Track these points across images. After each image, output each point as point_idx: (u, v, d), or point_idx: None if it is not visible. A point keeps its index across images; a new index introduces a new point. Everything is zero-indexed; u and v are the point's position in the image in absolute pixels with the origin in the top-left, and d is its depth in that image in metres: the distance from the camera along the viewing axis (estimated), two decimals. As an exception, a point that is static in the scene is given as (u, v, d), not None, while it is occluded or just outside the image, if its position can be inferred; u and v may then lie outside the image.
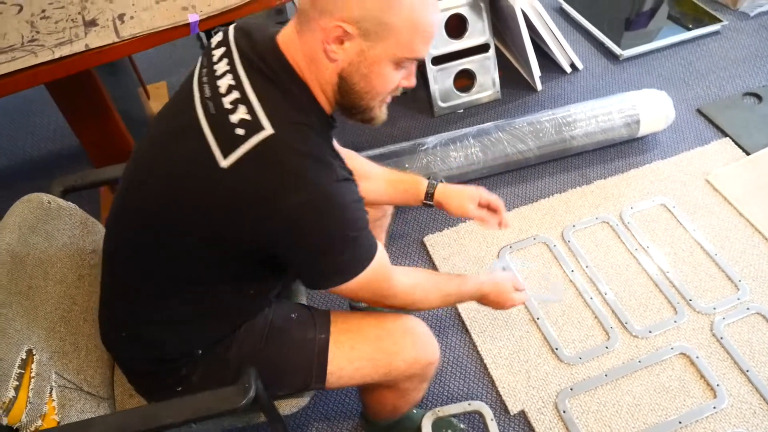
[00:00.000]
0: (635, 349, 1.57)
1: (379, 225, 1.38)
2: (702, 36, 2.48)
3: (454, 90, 2.24)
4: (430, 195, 1.28)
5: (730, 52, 2.41)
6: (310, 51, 0.85)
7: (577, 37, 2.54)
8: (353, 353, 1.04)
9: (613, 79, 2.33)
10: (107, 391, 1.08)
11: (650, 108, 1.99)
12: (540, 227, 1.86)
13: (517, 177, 2.01)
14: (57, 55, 1.27)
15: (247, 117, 0.83)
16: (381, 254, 0.95)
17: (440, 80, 2.21)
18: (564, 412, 1.47)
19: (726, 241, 1.78)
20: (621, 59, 2.40)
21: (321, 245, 0.88)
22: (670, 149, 2.06)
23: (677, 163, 2.01)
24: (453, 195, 1.27)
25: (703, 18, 2.52)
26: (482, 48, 2.21)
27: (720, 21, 2.48)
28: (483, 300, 1.20)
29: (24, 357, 0.91)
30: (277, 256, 0.90)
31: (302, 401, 1.09)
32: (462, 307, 1.68)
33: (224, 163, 0.82)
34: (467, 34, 2.18)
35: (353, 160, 1.20)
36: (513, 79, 2.36)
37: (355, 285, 0.93)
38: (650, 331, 1.60)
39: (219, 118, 0.84)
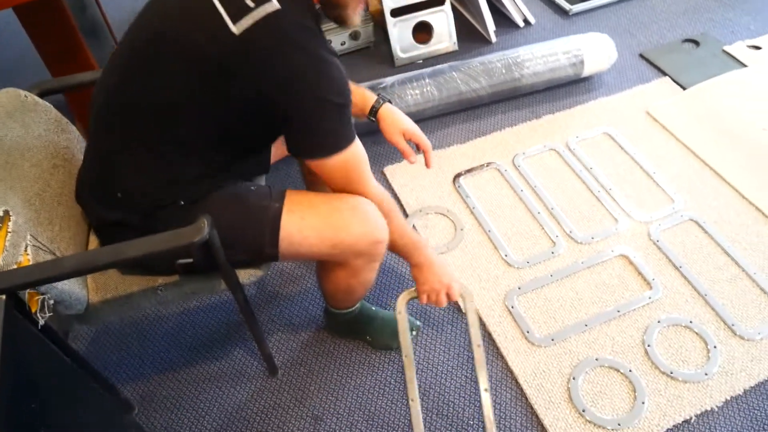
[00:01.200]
0: (578, 253, 1.70)
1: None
2: (645, -7, 2.65)
3: (413, 42, 2.38)
4: (374, 110, 1.37)
5: (671, 5, 2.58)
6: None
7: (530, -2, 2.70)
8: (303, 222, 1.13)
9: (562, 32, 2.47)
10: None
11: (593, 49, 2.13)
12: (492, 156, 1.99)
13: (472, 114, 2.14)
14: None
15: None
16: (360, 144, 1.10)
17: (400, 32, 2.34)
18: (512, 307, 1.59)
19: (664, 162, 1.92)
20: (570, 14, 2.56)
21: (315, 102, 1.01)
22: (614, 87, 2.20)
23: (620, 99, 2.15)
24: (390, 119, 1.37)
25: (646, -22, 2.69)
26: (438, 2, 2.34)
27: (662, -21, 2.65)
28: (427, 266, 1.31)
29: (1, 215, 1.00)
30: (275, 114, 1.03)
31: (258, 272, 1.20)
32: (418, 224, 1.80)
33: (234, 29, 0.95)
34: (423, -13, 2.32)
35: None
36: (469, 33, 2.50)
37: (334, 163, 1.07)
38: (592, 238, 1.72)
39: None
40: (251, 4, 0.95)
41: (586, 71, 2.16)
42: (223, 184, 1.15)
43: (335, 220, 1.14)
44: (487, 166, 1.96)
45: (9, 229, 1.02)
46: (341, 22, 1.09)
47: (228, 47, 0.96)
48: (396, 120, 1.37)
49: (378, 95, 1.39)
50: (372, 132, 2.06)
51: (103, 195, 1.14)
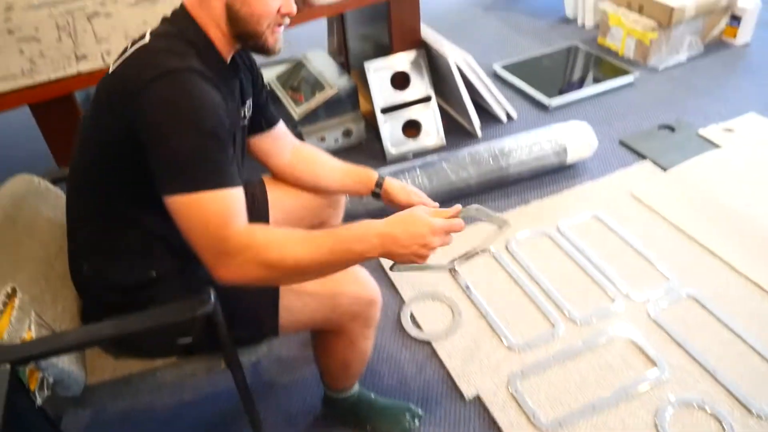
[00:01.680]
0: (578, 334, 1.69)
1: (335, 214, 1.52)
2: (619, 87, 2.80)
3: (403, 138, 2.48)
4: (379, 185, 1.40)
5: (644, 97, 2.72)
6: None
7: (511, 95, 2.84)
8: (301, 287, 1.13)
9: (544, 125, 2.58)
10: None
11: (575, 136, 2.23)
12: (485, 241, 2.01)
13: (462, 203, 2.18)
14: (53, 77, 1.48)
15: (137, 38, 1.03)
16: (236, 193, 0.95)
17: (390, 128, 2.45)
18: (516, 392, 1.55)
19: (654, 241, 1.96)
20: (550, 108, 2.69)
21: (167, 125, 0.92)
22: (597, 172, 2.28)
23: (605, 183, 2.23)
24: (399, 186, 1.40)
25: (619, 73, 2.86)
26: (425, 100, 2.47)
27: (632, 73, 2.82)
28: (392, 247, 0.96)
29: (9, 292, 1.01)
30: (142, 147, 0.95)
31: (259, 350, 1.18)
32: (415, 310, 1.80)
33: (111, 69, 1.02)
34: (410, 87, 2.45)
35: (307, 148, 1.40)
36: (455, 129, 2.61)
37: (190, 203, 0.92)
38: (591, 318, 1.72)
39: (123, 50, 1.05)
40: (128, 47, 1.03)
41: (570, 158, 2.24)
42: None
43: (330, 283, 1.14)
44: (481, 252, 1.98)
45: (15, 306, 1.02)
46: (261, 50, 1.08)
47: (103, 86, 1.02)
48: (404, 185, 1.41)
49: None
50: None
51: (76, 274, 1.15)
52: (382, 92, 2.42)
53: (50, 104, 1.65)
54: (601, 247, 1.95)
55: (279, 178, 1.40)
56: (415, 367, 1.65)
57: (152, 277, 1.10)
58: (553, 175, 2.29)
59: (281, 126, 1.35)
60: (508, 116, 2.66)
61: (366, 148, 2.54)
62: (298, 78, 2.63)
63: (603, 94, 2.77)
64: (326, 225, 1.50)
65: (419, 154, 2.49)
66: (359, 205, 2.05)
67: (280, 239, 0.95)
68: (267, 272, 0.94)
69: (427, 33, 2.50)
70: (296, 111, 2.41)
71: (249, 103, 1.21)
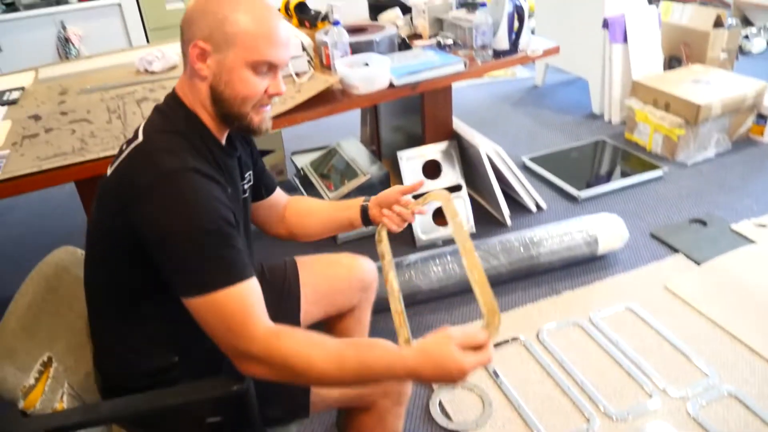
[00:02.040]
0: (615, 430, 1.62)
1: (366, 299, 1.53)
2: (648, 180, 2.83)
3: (434, 225, 2.51)
4: (365, 208, 1.37)
5: (674, 191, 2.74)
6: (189, 78, 1.04)
7: (540, 186, 2.89)
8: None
9: (573, 215, 2.61)
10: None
11: (606, 228, 2.24)
12: (516, 331, 1.99)
13: (494, 291, 2.18)
14: (101, 156, 1.57)
15: (131, 137, 1.04)
16: (251, 285, 0.95)
17: (421, 216, 2.49)
18: (551, 491, 1.48)
19: (691, 336, 1.91)
20: (579, 200, 2.72)
21: (169, 230, 0.92)
22: (629, 264, 2.27)
23: (637, 275, 2.21)
24: (381, 195, 1.37)
25: (648, 167, 2.90)
26: (455, 188, 2.53)
27: (661, 168, 2.86)
28: (419, 381, 1.01)
29: (45, 360, 1.03)
30: (149, 251, 0.95)
31: (289, 430, 1.16)
32: (444, 398, 1.75)
33: (109, 172, 1.03)
34: (441, 176, 2.51)
35: (295, 202, 1.43)
36: (485, 218, 2.64)
37: (206, 305, 0.92)
38: (628, 414, 1.66)
39: (118, 150, 1.06)
40: (123, 147, 1.03)
41: (601, 249, 2.24)
42: None
43: None
44: (512, 341, 1.95)
45: (50, 375, 1.03)
46: (248, 131, 1.08)
47: (104, 190, 1.03)
48: (386, 194, 1.36)
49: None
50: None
51: (100, 364, 1.16)
52: (413, 180, 2.49)
53: (94, 179, 1.73)
54: (636, 340, 1.91)
55: (279, 237, 1.44)
56: (444, 460, 1.60)
57: (174, 361, 1.10)
58: (584, 265, 2.28)
59: (278, 191, 1.41)
60: (538, 206, 2.69)
61: (396, 234, 2.56)
62: (328, 165, 2.72)
63: (632, 187, 2.80)
64: (357, 311, 1.51)
65: (449, 241, 2.51)
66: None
67: (307, 350, 0.94)
68: (291, 378, 0.96)
69: (459, 125, 2.59)
70: (329, 196, 2.47)
71: (249, 174, 1.24)
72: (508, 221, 2.58)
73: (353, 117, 3.26)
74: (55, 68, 2.56)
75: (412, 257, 2.16)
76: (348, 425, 1.28)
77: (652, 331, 1.95)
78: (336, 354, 0.95)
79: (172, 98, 1.08)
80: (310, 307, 1.40)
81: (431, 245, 2.50)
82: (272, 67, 1.03)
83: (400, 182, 2.52)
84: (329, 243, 2.55)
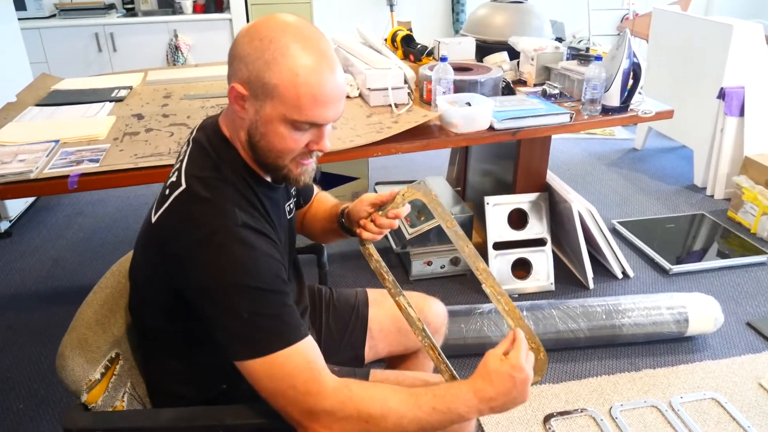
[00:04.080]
0: None
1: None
2: (750, 264, 2.63)
3: (512, 276, 2.43)
4: (344, 211, 1.26)
5: (778, 280, 2.54)
6: (231, 116, 0.97)
7: (628, 252, 2.74)
8: None
9: (662, 289, 2.46)
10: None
11: (699, 309, 2.08)
12: (587, 402, 1.87)
13: (567, 355, 2.07)
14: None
15: (174, 179, 0.95)
16: (308, 344, 0.90)
17: (499, 265, 2.42)
18: None
19: (783, 443, 1.73)
20: (670, 273, 2.56)
21: (219, 292, 0.86)
22: (720, 352, 2.09)
23: (728, 365, 2.03)
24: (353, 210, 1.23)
25: (750, 251, 2.70)
26: (540, 242, 2.44)
27: (766, 253, 2.65)
28: (491, 405, 0.92)
29: (113, 356, 1.03)
30: (193, 309, 0.91)
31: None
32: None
33: (153, 218, 0.95)
34: (527, 227, 2.43)
35: (320, 197, 1.39)
36: (566, 277, 2.53)
37: (263, 368, 0.86)
38: None
39: (162, 189, 0.98)
40: (167, 192, 0.94)
41: (690, 330, 2.08)
42: None
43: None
44: (581, 411, 1.83)
45: (115, 372, 1.03)
46: (285, 181, 0.99)
47: (147, 238, 0.97)
48: (359, 201, 1.21)
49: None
50: (459, 355, 2.02)
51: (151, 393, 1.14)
52: (497, 227, 2.42)
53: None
54: (720, 437, 1.75)
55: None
56: None
57: (223, 389, 1.09)
58: (670, 344, 2.12)
59: (316, 196, 1.38)
60: (624, 274, 2.55)
61: (470, 280, 2.51)
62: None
63: (730, 269, 2.61)
64: (422, 353, 1.45)
65: (525, 295, 2.42)
66: (460, 338, 1.99)
67: (381, 393, 0.91)
68: (367, 427, 0.89)
69: (552, 178, 2.51)
70: (408, 231, 2.44)
71: (294, 190, 1.20)
72: (591, 284, 2.45)
73: (442, 155, 3.24)
74: (163, 72, 2.70)
75: (486, 306, 2.08)
76: None
77: (740, 428, 1.77)
78: (409, 393, 0.91)
79: (214, 132, 0.99)
80: (375, 342, 1.36)
81: (506, 296, 2.40)
82: (315, 125, 0.93)
83: (482, 228, 2.46)
84: (401, 279, 2.51)
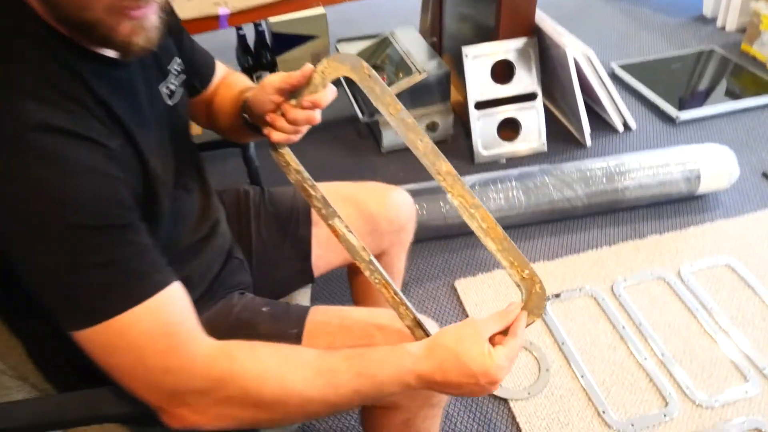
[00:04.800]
0: (698, 419, 1.32)
1: (399, 242, 1.21)
2: (765, 105, 2.33)
3: (498, 139, 2.13)
4: (244, 108, 0.91)
5: (797, 120, 2.25)
6: None
7: (630, 100, 2.43)
8: None
9: (668, 141, 2.18)
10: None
11: (712, 163, 1.82)
12: (587, 279, 1.66)
13: (563, 227, 1.84)
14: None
15: None
16: (166, 298, 0.63)
17: (483, 127, 2.11)
18: (612, 487, 1.22)
19: (804, 309, 1.54)
20: (677, 122, 2.26)
21: (12, 238, 0.58)
22: (733, 209, 1.86)
23: (743, 224, 1.81)
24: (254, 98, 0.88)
25: (765, 89, 2.39)
26: (529, 97, 2.11)
27: (784, 91, 2.35)
28: (437, 389, 0.72)
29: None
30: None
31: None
32: (494, 357, 1.47)
33: None
34: (514, 81, 2.09)
35: (230, 78, 1.03)
36: (560, 134, 2.24)
37: (98, 339, 0.60)
38: (716, 401, 1.35)
39: None
40: None
41: (702, 189, 1.84)
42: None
43: (376, 342, 0.84)
44: (579, 291, 1.63)
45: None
46: (110, 45, 0.64)
47: None
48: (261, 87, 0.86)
49: None
50: (441, 237, 1.80)
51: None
52: (479, 83, 2.08)
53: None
54: (734, 307, 1.56)
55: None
56: (485, 430, 1.34)
57: None
58: (677, 206, 1.89)
59: (219, 76, 1.02)
60: (626, 126, 2.26)
61: (452, 146, 2.21)
62: (383, 55, 2.32)
63: (744, 112, 2.31)
64: (387, 257, 1.19)
65: (514, 160, 2.14)
66: (439, 218, 1.74)
67: (278, 368, 0.66)
68: (256, 414, 0.66)
69: (543, 19, 2.12)
70: (379, 95, 2.10)
71: (176, 66, 0.85)
72: (588, 141, 2.17)
73: (413, 2, 2.79)
74: None
75: (469, 179, 1.81)
76: (369, 426, 1.00)
77: (755, 297, 1.58)
78: (321, 368, 0.68)
79: None
80: (324, 251, 1.09)
81: (491, 162, 2.13)
82: None
83: (462, 84, 2.12)
84: (373, 151, 2.21)
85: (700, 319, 1.53)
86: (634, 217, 1.86)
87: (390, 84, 2.11)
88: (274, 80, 0.83)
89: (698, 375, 1.41)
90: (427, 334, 0.78)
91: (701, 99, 2.39)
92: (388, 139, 2.16)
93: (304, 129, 0.85)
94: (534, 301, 0.75)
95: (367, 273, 0.82)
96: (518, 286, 0.76)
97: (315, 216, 1.09)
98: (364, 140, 2.27)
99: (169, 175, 0.79)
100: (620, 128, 2.24)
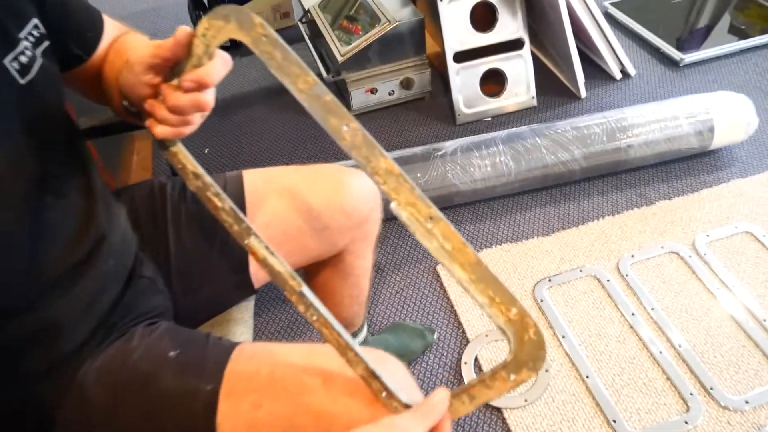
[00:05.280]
0: (727, 426, 1.12)
1: (361, 238, 0.95)
2: (780, 42, 2.08)
3: (481, 95, 1.87)
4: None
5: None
6: None
7: (627, 43, 2.16)
8: (258, 414, 0.62)
9: (673, 88, 1.93)
10: None
11: (727, 113, 1.58)
12: (588, 257, 1.44)
13: (559, 194, 1.60)
14: None
15: None
16: None
17: (464, 81, 1.84)
18: None
19: (841, 282, 1.33)
20: (681, 65, 2.01)
21: None
22: (751, 166, 1.63)
23: (763, 182, 1.58)
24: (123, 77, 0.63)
25: (777, 23, 2.13)
26: (515, 44, 1.84)
27: (801, 25, 2.09)
28: None
29: None
30: None
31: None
32: (483, 353, 1.26)
33: None
34: (497, 27, 1.82)
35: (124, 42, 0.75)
36: (550, 86, 1.98)
37: None
38: (747, 402, 1.14)
39: None
40: None
41: (716, 143, 1.60)
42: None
43: (316, 401, 0.61)
44: (580, 271, 1.41)
45: None
46: None
47: None
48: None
49: None
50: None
51: None
52: (456, 31, 1.80)
53: None
54: (759, 282, 1.35)
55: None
56: (476, 450, 1.14)
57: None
58: (687, 164, 1.65)
59: (107, 35, 0.75)
60: (623, 72, 2.00)
61: (430, 105, 1.95)
62: (356, 5, 2.02)
63: (756, 50, 2.06)
64: (349, 256, 0.94)
65: (500, 117, 1.88)
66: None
67: None
68: None
69: (527, -48, 1.83)
70: (340, 50, 1.82)
71: (31, 30, 0.61)
72: (583, 91, 1.91)
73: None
74: None
75: (449, 144, 1.55)
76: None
77: (783, 269, 1.37)
78: None
79: None
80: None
81: (475, 121, 1.88)
82: None
83: (438, 33, 1.84)
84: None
85: (721, 301, 1.32)
86: (639, 179, 1.63)
87: (346, 41, 1.82)
88: (142, 55, 0.58)
89: (724, 371, 1.20)
90: (385, 387, 0.55)
91: (701, 38, 2.13)
92: (357, 100, 1.89)
93: (197, 118, 0.60)
94: (527, 352, 0.52)
95: (300, 308, 0.58)
96: (502, 331, 0.53)
97: (252, 207, 0.84)
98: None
99: (17, 180, 0.56)
100: (617, 75, 1.98)
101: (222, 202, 0.60)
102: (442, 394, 0.52)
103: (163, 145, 0.61)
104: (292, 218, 0.84)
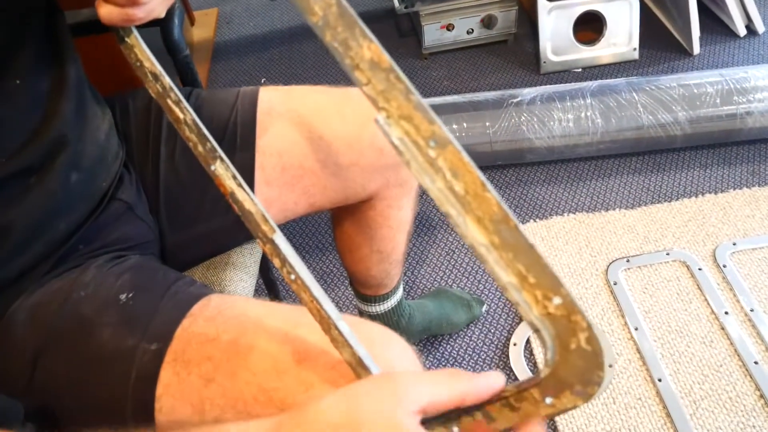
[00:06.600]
0: (834, 464, 0.90)
1: (395, 183, 0.77)
2: None
3: (574, 41, 1.62)
4: None
5: None
6: None
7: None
8: (206, 391, 0.48)
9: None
10: None
11: None
12: (679, 239, 1.21)
13: (651, 162, 1.37)
14: None
15: None
16: None
17: (555, 24, 1.60)
18: None
19: None
20: (824, 25, 1.68)
21: None
22: None
23: None
24: None
25: None
26: (620, -15, 1.57)
27: None
28: None
29: None
30: None
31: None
32: (536, 340, 1.08)
33: None
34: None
35: None
36: (657, 38, 1.70)
37: None
38: None
39: None
40: None
41: None
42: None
43: (285, 386, 0.47)
44: (667, 255, 1.19)
45: None
46: None
47: None
48: None
49: None
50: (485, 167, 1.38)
51: None
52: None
53: None
54: None
55: None
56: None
57: None
58: (817, 140, 1.37)
59: None
60: (749, 29, 1.69)
61: (513, 49, 1.73)
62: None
63: None
64: (379, 203, 0.77)
65: (593, 69, 1.64)
66: (484, 142, 1.30)
67: None
68: None
69: None
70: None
71: None
72: (696, 47, 1.63)
73: None
74: None
75: (528, 92, 1.34)
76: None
77: None
78: None
79: None
80: (279, 188, 0.69)
81: (563, 71, 1.64)
82: None
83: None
84: (413, 53, 1.76)
85: (842, 309, 1.07)
86: (754, 154, 1.36)
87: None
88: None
89: (837, 395, 0.97)
90: None
91: None
92: (431, 37, 1.69)
93: (158, 10, 0.46)
94: (573, 367, 0.33)
95: (275, 262, 0.43)
96: (536, 330, 0.34)
97: (264, 130, 0.69)
98: (405, 39, 1.82)
99: None
100: (741, 31, 1.68)
101: (183, 113, 0.46)
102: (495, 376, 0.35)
103: (118, 35, 0.47)
104: (311, 148, 0.68)
